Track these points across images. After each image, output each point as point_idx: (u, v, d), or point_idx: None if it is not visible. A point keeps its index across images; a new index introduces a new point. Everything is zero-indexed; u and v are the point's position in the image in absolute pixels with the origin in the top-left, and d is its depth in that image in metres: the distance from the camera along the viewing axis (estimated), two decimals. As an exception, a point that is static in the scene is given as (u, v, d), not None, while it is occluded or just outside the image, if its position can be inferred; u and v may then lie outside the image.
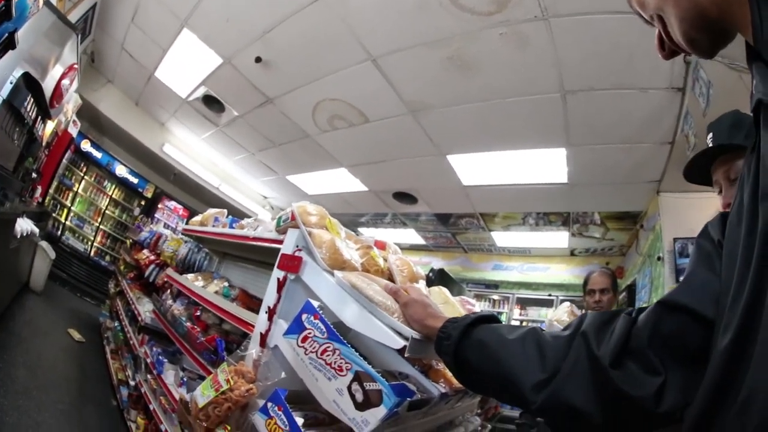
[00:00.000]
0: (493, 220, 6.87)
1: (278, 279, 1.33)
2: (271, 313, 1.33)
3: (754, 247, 0.52)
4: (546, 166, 4.91)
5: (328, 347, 1.08)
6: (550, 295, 7.90)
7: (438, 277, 6.44)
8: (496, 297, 8.68)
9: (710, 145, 1.25)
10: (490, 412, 2.46)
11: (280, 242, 1.42)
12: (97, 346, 4.61)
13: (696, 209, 4.63)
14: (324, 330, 1.10)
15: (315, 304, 1.15)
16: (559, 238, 7.10)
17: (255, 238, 1.70)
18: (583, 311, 2.99)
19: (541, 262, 8.11)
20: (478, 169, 5.28)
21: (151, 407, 2.57)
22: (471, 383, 0.89)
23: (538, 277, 8.08)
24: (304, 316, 1.15)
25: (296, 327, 1.17)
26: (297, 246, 1.33)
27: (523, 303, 8.54)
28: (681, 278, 0.73)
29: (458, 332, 0.87)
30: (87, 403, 3.22)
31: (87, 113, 6.20)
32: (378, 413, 0.96)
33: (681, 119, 3.73)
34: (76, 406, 3.08)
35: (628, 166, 4.62)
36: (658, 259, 4.88)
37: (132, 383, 3.19)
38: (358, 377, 1.01)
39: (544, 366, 0.74)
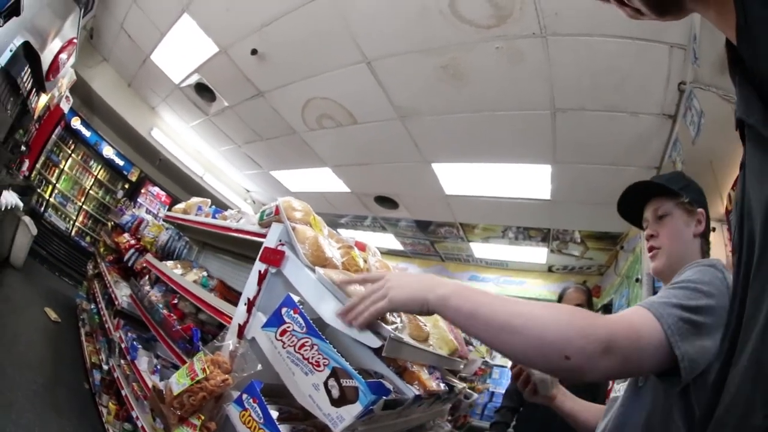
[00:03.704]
0: (472, 231, 6.87)
1: (259, 272, 1.33)
2: (250, 305, 1.33)
3: (740, 265, 0.52)
4: (530, 181, 4.92)
5: (306, 342, 1.08)
6: None
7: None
8: None
9: None
10: (459, 420, 2.48)
11: (262, 236, 1.41)
12: (73, 327, 4.53)
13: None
14: (303, 325, 1.10)
15: (295, 298, 1.15)
16: (537, 254, 7.10)
17: (237, 230, 1.69)
18: None
19: (517, 276, 8.09)
20: (461, 178, 5.27)
21: (123, 393, 2.53)
22: None
23: (514, 290, 8.01)
24: (283, 310, 1.16)
25: (275, 320, 1.17)
26: (280, 240, 1.33)
27: (497, 316, 8.54)
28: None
29: None
30: (59, 385, 3.16)
31: (80, 90, 6.10)
32: (353, 410, 0.97)
33: (669, 145, 3.76)
34: (49, 388, 3.02)
35: (612, 187, 4.56)
36: (637, 280, 4.96)
37: (105, 367, 3.14)
38: (335, 373, 1.02)
39: None
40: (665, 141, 3.80)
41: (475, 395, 2.70)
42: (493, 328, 0.82)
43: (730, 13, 0.48)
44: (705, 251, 1.18)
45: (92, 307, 4.22)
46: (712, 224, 4.52)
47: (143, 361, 2.40)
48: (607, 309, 6.06)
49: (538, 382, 1.27)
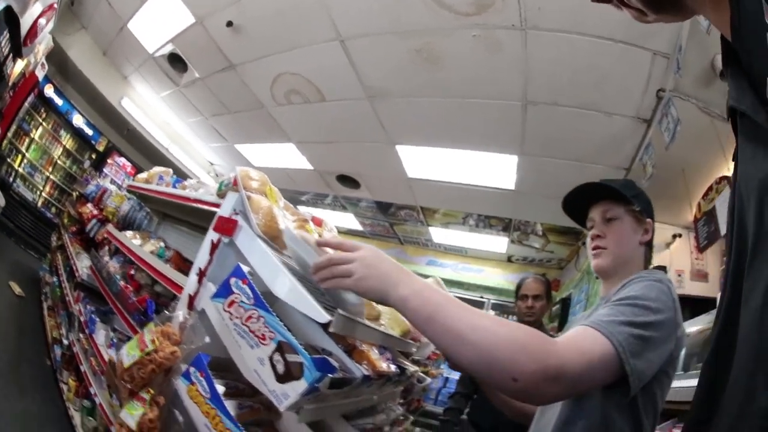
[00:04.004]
0: (433, 216, 6.90)
1: (212, 241, 1.27)
2: (201, 275, 1.28)
3: (733, 254, 0.54)
4: (495, 170, 4.96)
5: (253, 314, 1.04)
6: (482, 297, 7.98)
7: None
8: (429, 281, 8.77)
9: None
10: (413, 405, 2.47)
11: (219, 206, 1.36)
12: (36, 301, 4.42)
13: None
14: (251, 296, 1.06)
15: (245, 269, 1.10)
16: (497, 243, 7.18)
17: (195, 200, 1.63)
18: (514, 316, 3.04)
19: (476, 264, 8.17)
20: (425, 162, 5.29)
21: (81, 368, 2.46)
22: None
23: (472, 277, 8.13)
24: (232, 280, 1.11)
25: (224, 291, 1.12)
26: (234, 210, 1.28)
27: (454, 302, 8.66)
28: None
29: None
30: (22, 362, 3.07)
31: (56, 57, 5.89)
32: (298, 387, 0.93)
33: (641, 149, 3.83)
34: (12, 365, 2.93)
35: (579, 183, 4.74)
36: (597, 277, 5.04)
37: (65, 342, 3.05)
38: (281, 347, 0.98)
39: None
40: (637, 144, 3.86)
41: (429, 380, 2.70)
42: (447, 336, 0.80)
43: (726, 10, 0.48)
44: (648, 259, 1.22)
45: (54, 280, 4.09)
46: (679, 230, 4.59)
47: (101, 335, 2.33)
48: (566, 302, 6.17)
49: None
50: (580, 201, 1.29)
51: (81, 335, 2.64)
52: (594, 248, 1.21)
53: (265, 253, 1.13)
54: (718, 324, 0.54)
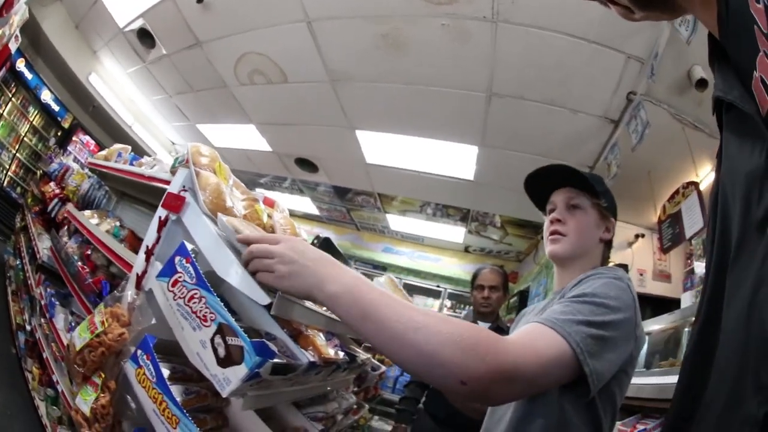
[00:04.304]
0: (390, 203, 6.91)
1: (160, 218, 1.22)
2: (149, 253, 1.22)
3: (713, 250, 0.53)
4: (455, 160, 4.98)
5: (196, 294, 0.99)
6: (438, 286, 8.05)
7: (323, 247, 6.28)
8: (383, 279, 8.88)
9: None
10: (369, 393, 2.45)
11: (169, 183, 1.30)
12: (1, 286, 4.27)
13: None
14: (194, 275, 1.01)
15: (189, 247, 1.05)
16: (454, 233, 7.22)
17: (149, 177, 1.57)
18: (470, 307, 3.01)
19: (433, 253, 8.23)
20: (384, 148, 5.29)
21: (44, 355, 2.39)
22: None
23: (429, 266, 8.19)
24: (177, 259, 1.06)
25: (168, 270, 1.07)
26: (183, 186, 1.22)
27: (410, 290, 8.58)
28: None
29: None
30: None
31: (29, 30, 5.62)
32: (239, 372, 0.89)
33: (607, 148, 3.85)
34: None
35: None
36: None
37: (28, 328, 2.95)
38: (222, 330, 0.93)
39: None
40: (603, 143, 3.89)
41: (384, 368, 2.67)
42: (384, 337, 0.74)
43: (714, 8, 0.49)
44: (605, 258, 1.18)
45: (18, 263, 3.96)
46: (642, 231, 4.71)
47: (60, 319, 2.25)
48: (524, 295, 6.24)
49: None
50: (544, 183, 1.24)
51: (42, 320, 2.56)
52: (552, 233, 1.16)
53: (210, 231, 1.08)
54: (699, 319, 0.54)
